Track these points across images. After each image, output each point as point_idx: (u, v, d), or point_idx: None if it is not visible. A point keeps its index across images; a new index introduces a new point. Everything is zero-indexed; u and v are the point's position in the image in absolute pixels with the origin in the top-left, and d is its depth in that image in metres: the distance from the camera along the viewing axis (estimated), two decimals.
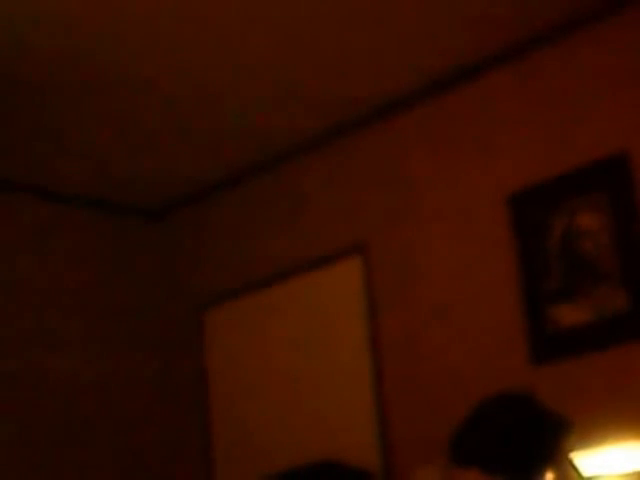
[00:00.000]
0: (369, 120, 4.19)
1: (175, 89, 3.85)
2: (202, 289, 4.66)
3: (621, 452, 3.22)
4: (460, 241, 3.88)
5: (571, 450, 2.00)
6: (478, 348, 3.76)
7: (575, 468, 2.01)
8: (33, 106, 3.86)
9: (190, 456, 4.58)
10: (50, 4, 3.24)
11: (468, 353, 3.78)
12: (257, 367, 4.39)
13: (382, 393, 3.98)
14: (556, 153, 3.68)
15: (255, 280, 4.47)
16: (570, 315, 3.56)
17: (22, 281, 4.36)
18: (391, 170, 4.12)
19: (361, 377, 4.04)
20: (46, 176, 4.40)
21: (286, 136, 4.30)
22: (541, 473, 1.95)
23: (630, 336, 3.43)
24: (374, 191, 4.16)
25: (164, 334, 4.76)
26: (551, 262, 3.62)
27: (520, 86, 3.81)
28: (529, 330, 3.64)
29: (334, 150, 4.31)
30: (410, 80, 3.96)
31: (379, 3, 3.43)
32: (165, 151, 4.33)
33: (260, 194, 4.54)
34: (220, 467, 4.46)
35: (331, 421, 4.12)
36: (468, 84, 3.93)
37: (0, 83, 3.65)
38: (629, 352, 3.43)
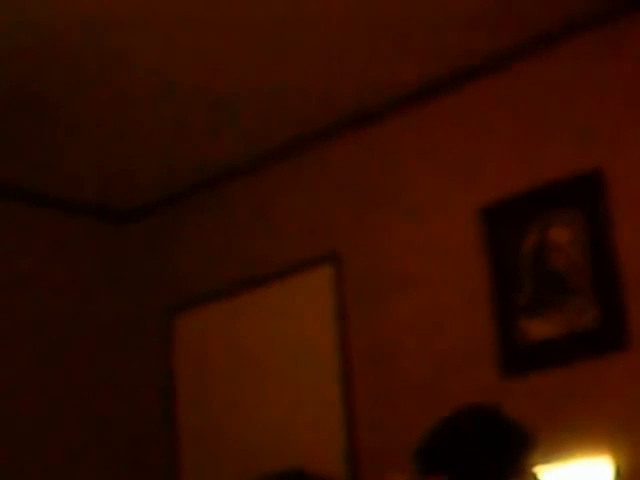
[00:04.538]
0: (343, 129, 4.19)
1: (146, 92, 3.83)
2: (172, 293, 4.63)
3: (587, 467, 3.23)
4: (432, 253, 3.88)
5: (535, 464, 2.00)
6: (448, 360, 3.76)
7: None
8: (8, 107, 3.83)
9: (157, 464, 4.55)
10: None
11: (438, 365, 3.78)
12: (226, 373, 4.37)
13: (351, 402, 3.97)
14: (530, 167, 3.69)
15: (226, 286, 4.45)
16: (540, 329, 3.56)
17: None
18: (364, 179, 4.12)
19: (330, 386, 4.03)
20: (12, 175, 4.35)
21: (260, 142, 4.29)
22: None
23: (599, 351, 3.44)
24: (347, 200, 4.15)
25: (133, 338, 4.73)
26: (522, 276, 3.62)
27: (495, 100, 3.82)
28: (499, 343, 3.64)
29: (308, 158, 4.30)
30: (385, 91, 3.96)
31: (356, 16, 3.44)
32: (136, 153, 4.30)
33: (233, 199, 4.52)
34: (187, 474, 4.44)
35: (299, 429, 4.11)
36: (442, 97, 3.94)
37: None
38: (598, 366, 3.44)
